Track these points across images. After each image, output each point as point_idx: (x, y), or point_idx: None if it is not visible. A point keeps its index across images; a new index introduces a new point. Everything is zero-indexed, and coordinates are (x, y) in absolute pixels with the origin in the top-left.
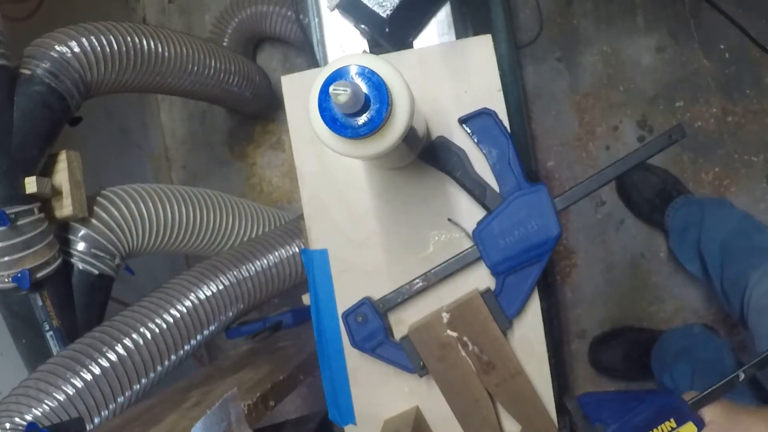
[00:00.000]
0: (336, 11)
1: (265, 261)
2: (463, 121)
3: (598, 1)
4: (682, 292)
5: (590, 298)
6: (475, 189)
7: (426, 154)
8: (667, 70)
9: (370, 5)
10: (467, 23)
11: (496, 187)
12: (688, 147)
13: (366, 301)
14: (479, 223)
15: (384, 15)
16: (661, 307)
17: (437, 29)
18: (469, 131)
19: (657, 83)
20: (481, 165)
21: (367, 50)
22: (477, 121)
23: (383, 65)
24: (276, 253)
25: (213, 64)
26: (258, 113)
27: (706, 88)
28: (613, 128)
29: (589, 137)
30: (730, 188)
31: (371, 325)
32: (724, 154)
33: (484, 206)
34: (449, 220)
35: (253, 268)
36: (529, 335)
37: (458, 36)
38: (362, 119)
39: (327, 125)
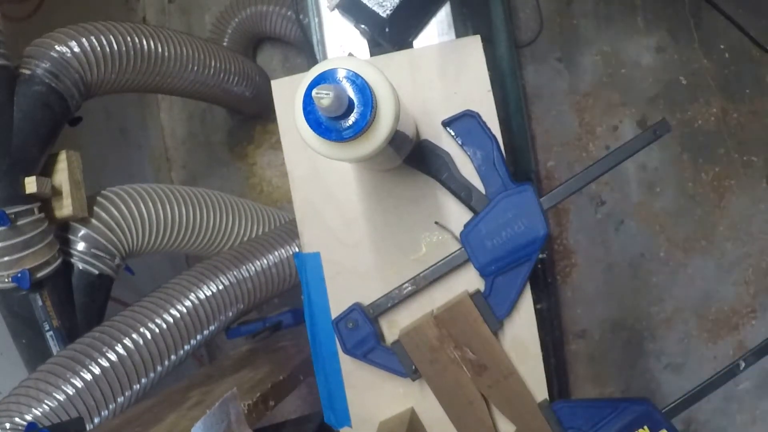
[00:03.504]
0: (336, 11)
1: (265, 261)
2: (446, 123)
3: (598, 1)
4: (682, 292)
5: (590, 298)
6: (461, 191)
7: (412, 157)
8: (667, 70)
9: (370, 5)
10: (467, 23)
11: (483, 189)
12: (688, 147)
13: (356, 307)
14: (466, 225)
15: (384, 15)
16: (661, 307)
17: (437, 29)
18: (453, 134)
19: (657, 83)
20: (467, 167)
21: (368, 50)
22: (460, 123)
23: (367, 68)
24: (276, 253)
25: (213, 64)
26: (258, 113)
27: (706, 88)
28: (613, 128)
29: (589, 137)
30: (730, 188)
31: (362, 331)
32: (724, 154)
33: (471, 208)
34: (436, 223)
35: (253, 268)
36: (522, 335)
37: (458, 36)
38: (347, 122)
39: (312, 128)
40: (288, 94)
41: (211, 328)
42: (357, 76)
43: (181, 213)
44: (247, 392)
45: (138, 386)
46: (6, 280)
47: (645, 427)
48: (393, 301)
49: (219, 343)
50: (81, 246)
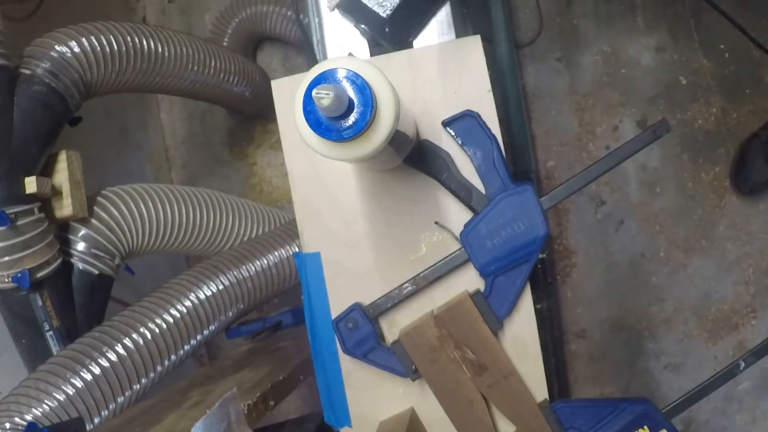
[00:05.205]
0: (336, 11)
1: (265, 261)
2: (446, 123)
3: (598, 1)
4: (682, 292)
5: (590, 298)
6: (461, 191)
7: (412, 157)
8: (667, 70)
9: (370, 5)
10: (467, 23)
11: (483, 189)
12: (688, 147)
13: (356, 307)
14: (466, 225)
15: (384, 15)
16: (661, 307)
17: (437, 29)
18: (452, 133)
19: (657, 83)
20: (467, 167)
21: (368, 50)
22: (460, 123)
23: (367, 68)
24: (276, 253)
25: (213, 64)
26: (258, 113)
27: (706, 88)
28: (613, 128)
29: (589, 137)
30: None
31: (362, 331)
32: (724, 154)
33: (471, 208)
34: (436, 223)
35: (253, 268)
36: (522, 335)
37: (458, 36)
38: (347, 122)
39: (312, 128)
40: (288, 94)
41: (211, 328)
42: (357, 76)
43: (181, 213)
44: (247, 392)
45: (138, 386)
46: (6, 280)
47: (645, 427)
48: (393, 301)
49: (219, 343)
50: (81, 246)
